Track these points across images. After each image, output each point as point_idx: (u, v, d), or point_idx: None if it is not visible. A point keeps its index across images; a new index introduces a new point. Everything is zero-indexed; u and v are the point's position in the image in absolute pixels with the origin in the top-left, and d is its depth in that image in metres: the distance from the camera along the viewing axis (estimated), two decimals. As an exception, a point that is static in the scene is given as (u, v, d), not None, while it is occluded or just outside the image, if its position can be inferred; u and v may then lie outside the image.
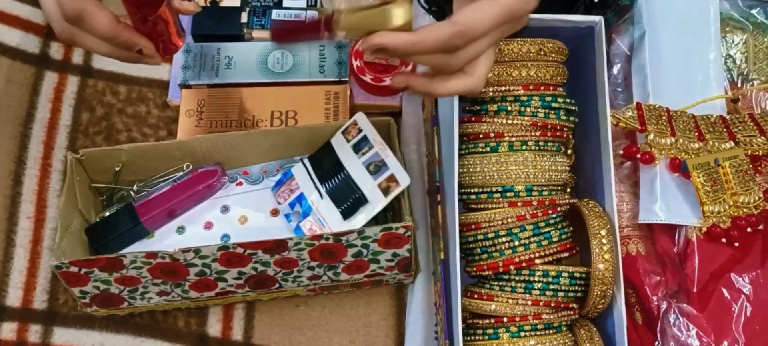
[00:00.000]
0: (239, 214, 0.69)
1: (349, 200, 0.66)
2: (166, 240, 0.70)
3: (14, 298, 0.71)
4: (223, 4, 0.78)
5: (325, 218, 0.67)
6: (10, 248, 0.72)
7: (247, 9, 0.77)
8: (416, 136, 0.76)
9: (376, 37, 0.48)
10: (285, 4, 0.79)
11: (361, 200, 0.66)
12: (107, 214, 0.70)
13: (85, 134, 0.77)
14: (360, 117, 0.68)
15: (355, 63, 0.76)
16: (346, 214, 0.66)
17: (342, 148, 0.68)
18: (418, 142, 0.76)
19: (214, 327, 0.71)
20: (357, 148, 0.68)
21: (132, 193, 0.70)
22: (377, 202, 0.65)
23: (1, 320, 0.70)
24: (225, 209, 0.70)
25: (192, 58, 0.75)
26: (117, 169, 0.69)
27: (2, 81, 0.77)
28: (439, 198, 0.65)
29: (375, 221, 0.66)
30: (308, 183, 0.68)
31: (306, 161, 0.70)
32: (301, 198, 0.68)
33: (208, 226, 0.70)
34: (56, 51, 0.80)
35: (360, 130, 0.68)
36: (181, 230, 0.70)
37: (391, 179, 0.65)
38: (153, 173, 0.70)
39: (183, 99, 0.74)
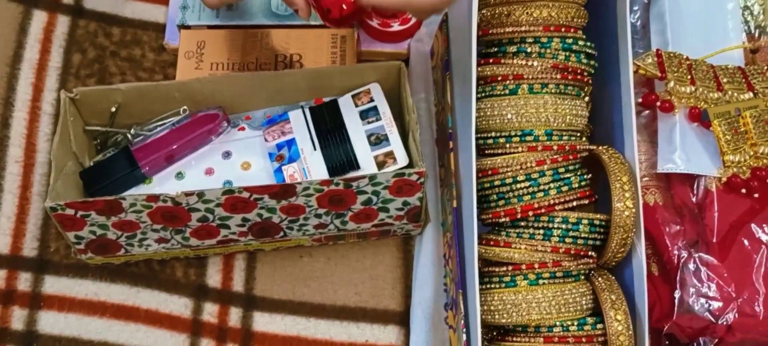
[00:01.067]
0: (242, 160, 0.66)
1: (340, 159, 0.64)
2: (165, 185, 0.66)
3: (2, 244, 0.67)
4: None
5: (311, 169, 0.64)
6: (-2, 193, 0.69)
7: (250, -52, 0.73)
8: (424, 85, 0.73)
9: None
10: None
11: (353, 165, 0.64)
12: (102, 157, 0.66)
13: (77, 77, 0.73)
14: (375, 88, 0.66)
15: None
16: (334, 172, 0.63)
17: (348, 110, 0.66)
18: (427, 92, 0.73)
19: (213, 278, 0.68)
20: (363, 115, 0.65)
21: (129, 136, 0.67)
22: (369, 172, 0.63)
23: (-11, 267, 0.67)
24: (227, 154, 0.67)
25: (191, -2, 0.71)
26: (113, 110, 0.65)
27: (-12, 19, 0.73)
28: (452, 145, 0.63)
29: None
30: (303, 131, 0.65)
31: (306, 110, 0.67)
32: (291, 143, 0.65)
33: (210, 172, 0.67)
34: (45, -12, 0.76)
35: (371, 100, 0.66)
36: (180, 175, 0.67)
37: (390, 155, 0.63)
38: (150, 116, 0.67)
39: (182, 40, 0.70)
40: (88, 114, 0.66)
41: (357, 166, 0.63)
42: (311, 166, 0.64)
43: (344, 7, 0.52)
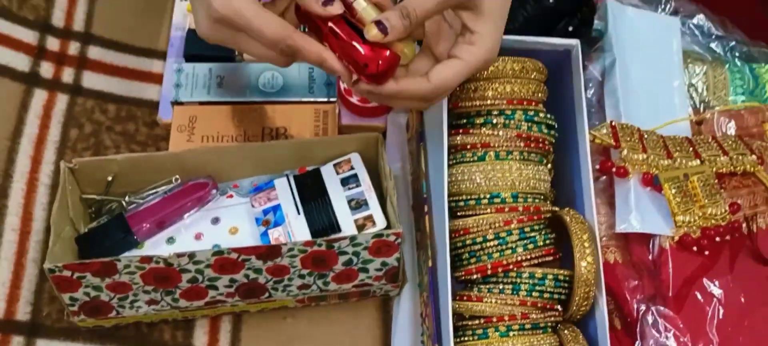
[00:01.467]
0: (230, 225, 0.71)
1: (323, 223, 0.68)
2: (156, 250, 0.70)
3: (-4, 310, 0.70)
4: (214, 27, 0.80)
5: (295, 232, 0.68)
6: (-6, 260, 0.72)
7: (239, 32, 0.80)
8: (400, 155, 0.79)
9: (363, 85, 0.54)
10: (275, 29, 0.82)
11: (334, 228, 0.68)
12: (97, 224, 0.70)
13: (73, 150, 0.78)
14: (355, 157, 0.71)
15: (343, 85, 0.79)
16: (316, 235, 0.68)
17: (330, 177, 0.71)
18: (403, 161, 0.79)
19: (200, 339, 0.71)
20: (344, 182, 0.71)
21: (123, 203, 0.71)
22: (350, 234, 0.67)
23: (-17, 331, 0.69)
24: (215, 220, 0.71)
25: (184, 77, 0.77)
26: (109, 179, 0.70)
27: (-8, 97, 0.78)
28: (427, 209, 0.68)
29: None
30: (288, 197, 0.70)
31: (291, 178, 0.72)
32: (276, 208, 0.70)
33: (199, 236, 0.71)
34: (46, 70, 0.81)
35: (352, 168, 0.71)
36: (171, 240, 0.71)
37: (369, 218, 0.68)
38: (143, 186, 0.71)
39: (175, 115, 0.75)
40: (85, 183, 0.70)
41: (338, 229, 0.68)
42: (295, 229, 0.68)
43: (380, 62, 0.53)
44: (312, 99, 0.77)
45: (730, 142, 0.73)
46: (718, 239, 0.67)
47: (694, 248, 0.66)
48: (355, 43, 0.53)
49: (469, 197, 0.64)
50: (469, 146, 0.65)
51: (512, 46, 0.68)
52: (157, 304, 0.66)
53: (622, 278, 0.66)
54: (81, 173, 0.69)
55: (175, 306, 0.67)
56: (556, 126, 0.68)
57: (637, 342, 0.63)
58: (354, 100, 0.78)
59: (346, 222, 0.68)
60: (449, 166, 0.66)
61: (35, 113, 0.79)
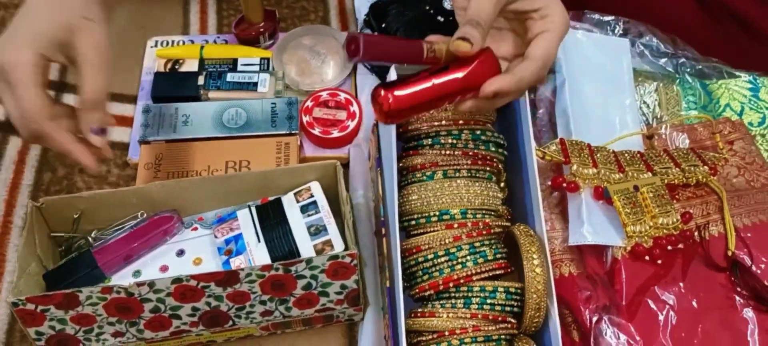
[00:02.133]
0: (194, 256, 0.72)
1: (283, 249, 0.70)
2: (123, 283, 0.72)
3: (-32, 349, 0.72)
4: (183, 68, 0.84)
5: (256, 259, 0.70)
6: (-33, 301, 0.74)
7: (204, 72, 0.83)
8: (363, 183, 0.81)
9: (488, 86, 0.58)
10: (239, 68, 0.85)
11: (294, 254, 0.70)
12: (64, 261, 0.72)
13: (47, 192, 0.80)
14: (315, 186, 0.74)
15: (305, 118, 0.81)
16: (276, 261, 0.69)
17: (291, 206, 0.73)
18: (365, 189, 0.81)
19: (168, 371, 0.72)
20: (304, 209, 0.73)
21: (89, 240, 0.73)
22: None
23: (-46, 370, 0.71)
24: (180, 252, 0.73)
25: (151, 117, 0.80)
26: (75, 216, 0.72)
27: (-33, 146, 0.81)
28: (384, 231, 0.70)
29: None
30: (249, 227, 0.72)
31: (253, 208, 0.74)
32: (238, 237, 0.72)
33: (164, 269, 0.72)
34: (21, 118, 0.84)
35: (311, 196, 0.73)
36: (137, 273, 0.72)
37: (328, 243, 0.70)
38: (110, 222, 0.73)
39: (142, 154, 0.78)
40: (53, 222, 0.72)
41: (298, 255, 0.69)
42: (256, 256, 0.70)
43: (483, 68, 0.58)
44: (274, 132, 0.79)
45: (682, 155, 0.75)
46: (670, 247, 0.68)
47: (647, 258, 0.67)
48: (454, 75, 0.58)
49: (420, 216, 0.66)
50: (418, 167, 0.67)
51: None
52: (122, 336, 0.68)
53: (576, 290, 0.67)
54: (49, 211, 0.71)
55: (141, 338, 0.68)
56: (505, 144, 0.70)
57: (590, 351, 0.64)
58: (316, 131, 0.81)
59: (306, 247, 0.70)
60: (402, 187, 0.68)
61: (10, 159, 0.82)
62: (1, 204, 0.79)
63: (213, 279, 0.64)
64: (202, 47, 0.87)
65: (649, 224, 0.69)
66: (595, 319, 0.65)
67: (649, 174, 0.72)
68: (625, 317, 0.65)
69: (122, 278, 0.72)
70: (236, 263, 0.70)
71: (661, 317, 0.65)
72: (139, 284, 0.63)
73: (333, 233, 0.71)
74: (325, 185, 0.74)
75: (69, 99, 0.87)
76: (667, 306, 0.65)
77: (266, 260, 0.70)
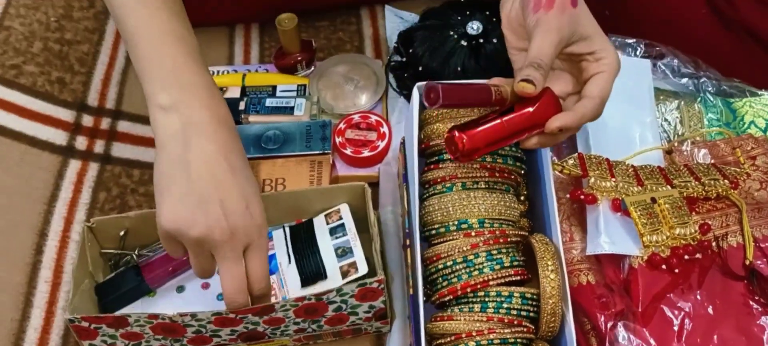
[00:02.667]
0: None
1: (311, 270, 0.75)
2: (166, 297, 0.77)
3: (28, 352, 0.78)
4: (225, 96, 0.90)
5: (287, 280, 0.75)
6: (28, 308, 0.80)
7: (245, 99, 0.89)
8: (392, 199, 0.85)
9: (552, 123, 0.63)
10: (278, 94, 0.91)
11: (321, 275, 0.75)
12: (113, 274, 0.78)
13: (101, 210, 0.87)
14: (344, 208, 0.79)
15: (338, 139, 0.86)
16: (305, 282, 0.75)
17: (321, 228, 0.78)
18: (394, 205, 0.85)
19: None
20: (333, 232, 0.78)
21: (134, 256, 0.78)
22: (334, 281, 0.74)
23: (15, 372, 0.77)
24: (221, 268, 0.78)
25: (196, 140, 0.86)
26: (121, 233, 0.78)
27: (34, 168, 0.89)
28: (408, 242, 0.73)
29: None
30: (282, 247, 0.77)
31: (286, 229, 0.79)
32: (272, 257, 0.77)
33: (206, 286, 0.78)
34: (81, 143, 0.92)
35: (340, 218, 0.78)
36: (180, 289, 0.78)
37: (353, 265, 0.75)
38: (156, 238, 0.79)
39: (187, 173, 0.84)
40: (103, 239, 0.78)
41: (325, 276, 0.74)
42: (287, 277, 0.75)
43: (546, 107, 0.63)
44: (308, 152, 0.84)
45: (703, 169, 0.76)
46: (687, 257, 0.69)
47: (664, 266, 0.69)
48: (521, 114, 0.63)
49: (440, 226, 0.69)
50: (439, 180, 0.71)
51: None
52: None
53: (593, 297, 0.69)
54: (99, 230, 0.77)
55: None
56: (523, 158, 0.73)
57: (606, 357, 0.66)
58: (348, 151, 0.86)
59: (333, 268, 0.74)
60: (423, 199, 0.72)
61: (70, 180, 0.89)
62: (61, 221, 0.86)
63: (250, 312, 0.68)
64: (244, 76, 0.94)
65: (666, 234, 0.70)
66: (610, 324, 0.66)
67: (668, 187, 0.74)
68: (640, 323, 0.66)
69: (166, 292, 0.78)
70: None
71: (676, 324, 0.66)
72: (182, 315, 0.68)
73: (358, 256, 0.75)
74: (355, 206, 0.79)
75: (124, 125, 0.94)
76: (683, 313, 0.67)
77: (296, 280, 0.74)
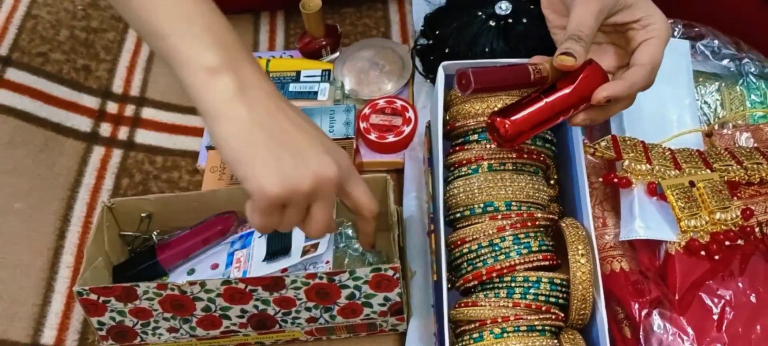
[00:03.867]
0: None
1: (276, 247, 0.73)
2: (178, 279, 0.76)
3: (49, 337, 0.77)
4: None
5: (254, 255, 0.74)
6: (50, 293, 0.80)
7: (268, 83, 0.88)
8: (416, 185, 0.82)
9: (599, 93, 0.60)
10: (302, 79, 0.89)
11: (285, 252, 0.73)
12: (130, 255, 0.78)
13: (124, 196, 0.86)
14: None
15: (362, 124, 0.84)
16: (269, 257, 0.73)
17: None
18: (419, 191, 0.82)
19: (227, 363, 0.75)
20: None
21: (154, 237, 0.77)
22: (294, 258, 0.72)
23: (36, 356, 0.76)
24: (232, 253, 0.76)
25: (218, 125, 0.84)
26: (143, 215, 0.77)
27: (57, 154, 0.89)
28: (433, 228, 0.71)
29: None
30: None
31: None
32: (250, 234, 0.75)
33: (215, 266, 0.76)
34: (105, 129, 0.92)
35: None
36: (191, 271, 0.76)
37: (314, 245, 0.72)
38: (179, 224, 0.78)
39: (208, 158, 0.83)
40: (123, 222, 0.77)
41: (288, 255, 0.72)
42: (255, 252, 0.74)
43: (589, 80, 0.60)
44: (332, 137, 0.82)
45: (746, 153, 0.72)
46: (728, 243, 0.65)
47: (703, 253, 0.65)
48: (564, 91, 0.60)
49: (465, 208, 0.66)
50: (464, 162, 0.68)
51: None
52: (176, 332, 0.71)
53: (627, 285, 0.65)
54: (118, 211, 0.76)
55: (193, 335, 0.71)
56: (553, 140, 0.70)
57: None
58: (373, 136, 0.83)
59: (297, 247, 0.73)
60: (448, 182, 0.69)
61: (93, 166, 0.88)
62: (84, 207, 0.86)
63: (260, 283, 0.66)
64: (268, 62, 0.92)
65: (706, 219, 0.67)
66: (645, 312, 0.63)
67: (708, 171, 0.70)
68: (677, 311, 0.63)
69: (178, 276, 0.76)
70: (236, 256, 0.73)
71: (716, 312, 0.62)
72: (192, 283, 0.66)
73: (322, 238, 0.72)
74: (376, 198, 0.75)
75: (149, 112, 0.93)
76: (723, 301, 0.63)
77: (261, 255, 0.73)
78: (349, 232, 0.76)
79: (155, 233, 0.77)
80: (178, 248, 0.75)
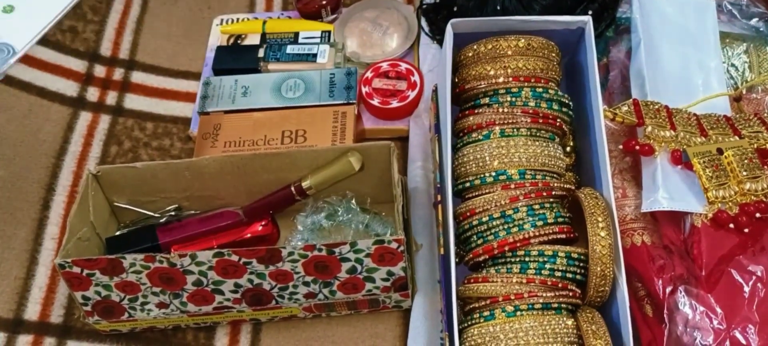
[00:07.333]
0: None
1: None
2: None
3: (32, 312, 0.73)
4: (245, 42, 0.84)
5: None
6: (33, 266, 0.75)
7: (265, 45, 0.83)
8: (422, 154, 0.77)
9: None
10: (300, 40, 0.84)
11: None
12: (127, 230, 0.73)
13: (112, 165, 0.81)
14: None
15: (364, 89, 0.79)
16: None
17: None
18: (424, 160, 0.77)
19: (221, 341, 0.71)
20: None
21: (160, 219, 0.73)
22: None
23: (18, 332, 0.72)
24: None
25: (211, 89, 0.79)
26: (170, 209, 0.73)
27: (42, 120, 0.84)
28: (439, 198, 0.66)
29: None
30: None
31: None
32: None
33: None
34: (92, 94, 0.87)
35: None
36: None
37: None
38: (170, 193, 0.73)
39: (200, 124, 0.78)
40: (111, 191, 0.72)
41: None
42: None
43: None
44: (332, 102, 0.77)
45: (777, 119, 0.67)
46: (759, 215, 0.61)
47: (731, 225, 0.60)
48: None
49: (475, 178, 0.62)
50: (475, 127, 0.63)
51: (522, 28, 0.66)
52: (166, 307, 0.67)
53: (649, 260, 0.60)
54: (105, 180, 0.71)
55: (184, 311, 0.67)
56: (569, 104, 0.65)
57: (664, 325, 0.57)
58: (375, 102, 0.78)
59: None
60: (457, 149, 0.64)
61: (80, 133, 0.84)
62: (70, 176, 0.81)
63: (254, 256, 0.62)
64: (264, 22, 0.87)
65: (734, 189, 0.62)
66: (669, 289, 0.58)
67: (736, 138, 0.65)
68: (704, 288, 0.58)
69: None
70: None
71: (746, 289, 0.58)
72: (181, 255, 0.62)
73: None
74: (379, 166, 0.71)
75: (138, 76, 0.88)
76: (754, 277, 0.58)
77: None
78: (353, 203, 0.72)
79: (158, 214, 0.72)
80: (179, 234, 0.71)
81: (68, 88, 0.87)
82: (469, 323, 0.59)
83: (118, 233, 0.73)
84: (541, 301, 0.57)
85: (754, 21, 0.76)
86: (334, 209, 0.71)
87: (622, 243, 0.61)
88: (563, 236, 0.60)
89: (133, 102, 0.86)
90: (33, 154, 0.81)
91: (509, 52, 0.63)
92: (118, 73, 0.88)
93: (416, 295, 0.69)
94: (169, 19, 0.93)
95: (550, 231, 0.59)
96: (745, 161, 0.63)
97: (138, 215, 0.74)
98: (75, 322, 0.73)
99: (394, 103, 0.78)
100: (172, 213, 0.74)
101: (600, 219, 0.57)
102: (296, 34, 0.85)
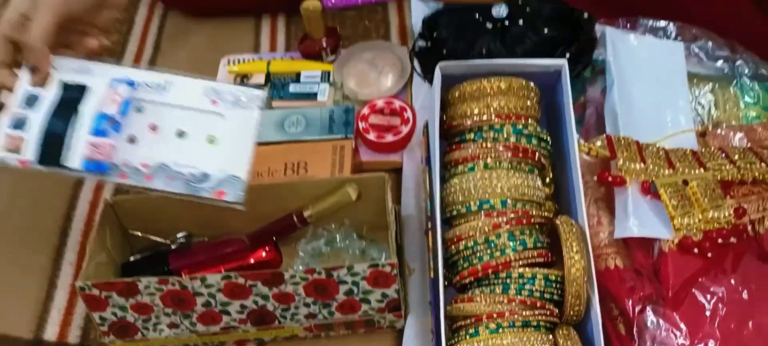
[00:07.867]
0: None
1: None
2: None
3: (51, 333, 0.78)
4: (250, 82, 0.91)
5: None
6: (52, 289, 0.81)
7: (269, 84, 0.89)
8: (415, 185, 0.83)
9: None
10: (302, 80, 0.91)
11: None
12: (141, 256, 0.79)
13: (126, 192, 0.87)
14: None
15: (361, 124, 0.85)
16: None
17: None
18: (417, 190, 0.83)
19: (228, 357, 0.76)
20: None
21: (169, 243, 0.79)
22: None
23: (38, 351, 0.77)
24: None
25: (219, 125, 0.85)
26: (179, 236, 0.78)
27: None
28: (430, 225, 0.72)
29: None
30: None
31: None
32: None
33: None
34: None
35: None
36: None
37: None
38: (180, 221, 0.79)
39: (210, 157, 0.84)
40: (128, 220, 0.78)
41: None
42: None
43: None
44: (331, 137, 0.83)
45: (739, 153, 0.73)
46: (721, 241, 0.66)
47: (696, 250, 0.66)
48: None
49: (461, 206, 0.67)
50: (461, 160, 0.69)
51: (505, 70, 0.72)
52: (177, 328, 0.72)
53: (621, 282, 0.66)
54: (120, 208, 0.77)
55: (194, 331, 0.72)
56: (547, 139, 0.71)
57: (634, 341, 0.63)
58: (371, 136, 0.84)
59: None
60: (445, 180, 0.70)
61: (96, 165, 0.89)
62: (86, 205, 0.87)
63: (260, 278, 0.67)
64: (268, 63, 0.93)
65: (699, 217, 0.68)
66: (638, 309, 0.64)
67: (701, 170, 0.71)
68: (670, 307, 0.64)
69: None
70: None
71: (708, 309, 0.63)
72: (192, 278, 0.67)
73: None
74: (374, 197, 0.77)
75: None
76: (716, 298, 0.64)
77: None
78: (350, 230, 0.77)
79: (172, 239, 0.78)
80: (189, 260, 0.76)
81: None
82: (457, 340, 0.65)
83: (132, 259, 0.79)
84: (521, 319, 0.63)
85: (719, 63, 0.82)
86: (332, 235, 0.77)
87: (597, 266, 0.67)
88: (542, 259, 0.66)
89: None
90: (52, 185, 0.87)
91: (492, 92, 0.70)
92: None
93: (409, 315, 0.75)
94: (180, 60, 0.99)
95: (530, 255, 0.65)
96: (709, 192, 0.69)
97: (150, 242, 0.80)
98: (91, 342, 0.78)
99: (389, 138, 0.84)
100: (182, 240, 0.79)
101: (575, 244, 0.63)
102: (298, 74, 0.92)
